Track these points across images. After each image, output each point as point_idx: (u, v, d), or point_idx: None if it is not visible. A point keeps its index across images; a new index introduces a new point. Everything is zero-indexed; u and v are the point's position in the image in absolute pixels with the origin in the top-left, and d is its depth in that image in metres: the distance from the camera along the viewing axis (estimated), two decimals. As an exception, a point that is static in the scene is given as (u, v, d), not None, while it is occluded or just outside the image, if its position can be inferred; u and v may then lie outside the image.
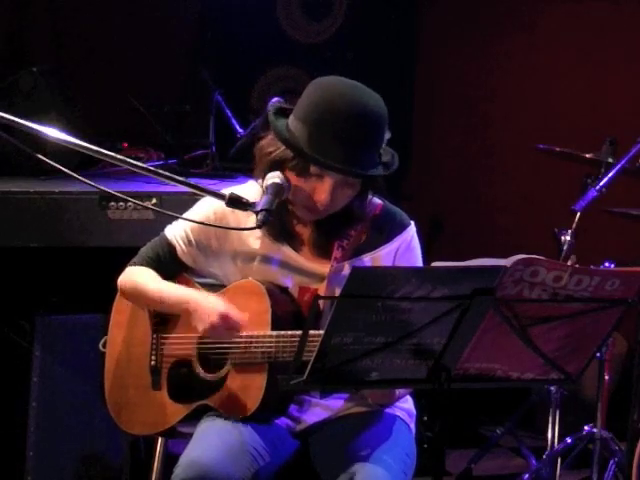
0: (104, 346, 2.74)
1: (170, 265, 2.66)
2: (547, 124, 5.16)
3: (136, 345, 2.68)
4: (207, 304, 2.49)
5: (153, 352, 2.65)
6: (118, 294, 2.71)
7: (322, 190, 2.44)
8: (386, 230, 2.58)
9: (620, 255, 3.87)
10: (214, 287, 2.64)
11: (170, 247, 2.66)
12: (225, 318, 2.45)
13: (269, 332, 2.47)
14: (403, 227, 2.59)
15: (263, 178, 2.50)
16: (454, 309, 2.06)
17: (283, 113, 2.52)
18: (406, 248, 2.57)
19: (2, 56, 4.76)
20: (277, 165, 2.48)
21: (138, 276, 2.64)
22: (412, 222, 2.62)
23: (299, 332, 2.40)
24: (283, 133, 2.45)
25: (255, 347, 2.48)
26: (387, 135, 2.50)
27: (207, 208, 2.63)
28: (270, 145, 2.51)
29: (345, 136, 2.39)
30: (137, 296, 2.64)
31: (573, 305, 2.11)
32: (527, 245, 3.01)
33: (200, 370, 2.58)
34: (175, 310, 2.59)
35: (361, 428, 2.51)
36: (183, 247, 2.64)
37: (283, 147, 2.46)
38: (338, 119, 2.39)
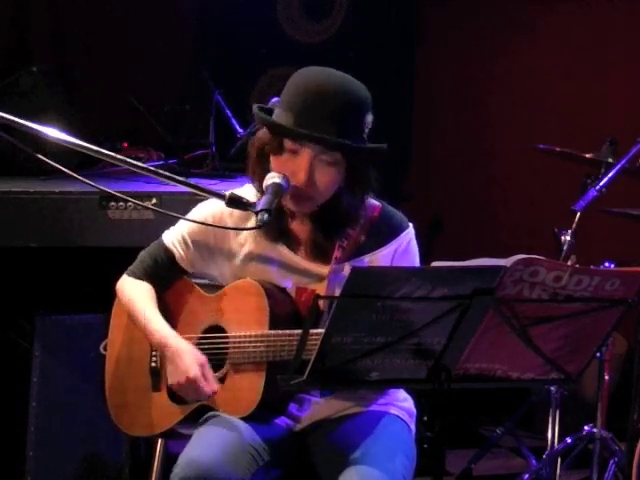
0: (105, 349, 2.74)
1: (169, 271, 2.67)
2: (547, 124, 5.16)
3: (136, 347, 2.68)
4: (182, 360, 2.51)
5: (153, 353, 2.65)
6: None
7: (300, 168, 2.44)
8: (384, 232, 2.57)
9: (620, 255, 3.87)
10: (213, 287, 2.64)
11: (168, 253, 2.66)
12: (192, 383, 2.49)
13: (267, 332, 2.47)
14: (401, 230, 2.58)
15: (255, 176, 2.53)
16: (454, 309, 2.06)
17: (270, 110, 2.55)
18: (403, 251, 2.56)
19: (2, 56, 4.76)
20: (261, 153, 2.51)
21: (135, 295, 2.64)
22: (410, 224, 2.61)
23: (297, 331, 2.41)
24: (259, 114, 2.49)
25: (253, 347, 2.48)
26: (369, 118, 2.49)
27: (205, 211, 2.63)
28: (256, 138, 2.54)
29: (316, 107, 2.41)
30: (130, 315, 2.66)
31: (573, 305, 2.11)
32: (527, 245, 3.01)
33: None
34: (156, 347, 2.62)
35: (361, 428, 2.51)
36: (181, 252, 2.65)
37: (264, 132, 2.49)
38: (310, 92, 2.42)
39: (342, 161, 2.47)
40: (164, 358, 2.58)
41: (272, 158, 2.50)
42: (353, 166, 2.49)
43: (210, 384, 2.50)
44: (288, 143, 2.46)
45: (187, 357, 2.52)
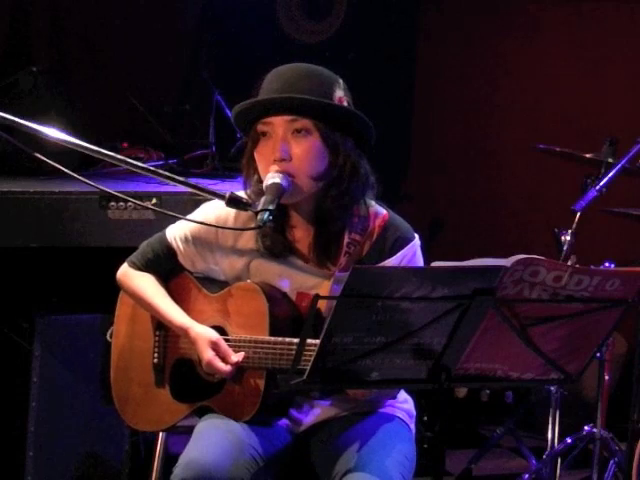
0: (111, 336, 2.74)
1: (168, 266, 2.67)
2: (547, 124, 5.16)
3: (139, 340, 2.69)
4: (197, 347, 2.53)
5: (156, 349, 2.66)
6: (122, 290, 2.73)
7: (275, 144, 2.46)
8: (389, 243, 2.53)
9: (620, 255, 3.87)
10: (213, 282, 2.64)
11: (170, 250, 2.66)
12: (208, 367, 2.50)
13: (267, 338, 2.47)
14: (406, 242, 2.54)
15: (247, 177, 2.55)
16: (454, 309, 2.06)
17: None
18: (407, 263, 2.52)
19: (2, 56, 4.76)
20: (249, 155, 2.52)
21: (144, 287, 2.65)
22: (416, 236, 2.57)
23: (297, 340, 2.39)
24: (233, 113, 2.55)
25: (253, 351, 2.48)
26: (339, 92, 2.49)
27: (210, 212, 2.62)
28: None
29: (274, 82, 2.48)
30: (139, 302, 2.67)
31: (573, 305, 2.11)
32: (527, 245, 3.01)
33: (201, 371, 2.58)
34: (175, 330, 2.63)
35: (361, 430, 2.51)
36: (182, 250, 2.64)
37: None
38: (270, 76, 2.51)
39: (314, 129, 2.45)
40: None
41: (255, 153, 2.51)
42: (328, 138, 2.46)
43: (227, 361, 2.48)
44: (259, 126, 2.48)
45: (199, 343, 2.52)
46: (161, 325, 2.66)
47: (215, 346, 2.50)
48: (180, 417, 2.63)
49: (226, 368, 2.48)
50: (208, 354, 2.50)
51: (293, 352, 2.38)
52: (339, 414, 2.58)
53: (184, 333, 2.58)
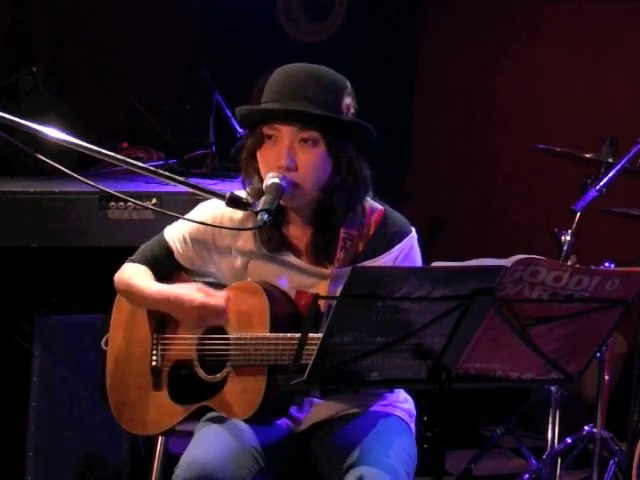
0: (106, 344, 2.74)
1: (167, 267, 2.67)
2: (547, 124, 5.16)
3: (136, 345, 2.68)
4: (183, 300, 2.52)
5: (154, 352, 2.65)
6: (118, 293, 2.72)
7: (280, 150, 2.45)
8: (386, 238, 2.55)
9: (620, 255, 3.87)
10: (213, 285, 2.64)
11: (168, 250, 2.66)
12: (204, 309, 2.50)
13: (268, 335, 2.47)
14: (403, 235, 2.56)
15: (246, 177, 2.55)
16: (454, 309, 2.06)
17: None
18: (405, 257, 2.54)
19: (2, 56, 4.76)
20: (250, 154, 2.52)
21: (130, 273, 2.65)
22: (413, 230, 2.58)
23: (298, 335, 2.39)
24: (237, 110, 2.54)
25: (254, 349, 2.47)
26: (347, 100, 2.49)
27: (206, 212, 2.63)
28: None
29: (284, 88, 2.46)
30: (128, 293, 2.65)
31: (573, 305, 2.11)
32: (527, 245, 3.01)
33: (200, 371, 2.58)
34: (164, 310, 2.62)
35: (361, 428, 2.51)
36: (180, 250, 2.65)
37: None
38: (279, 79, 2.48)
39: (321, 140, 2.46)
40: (173, 313, 2.59)
41: (258, 154, 2.51)
42: (334, 148, 2.47)
43: (218, 297, 2.50)
44: (265, 129, 2.47)
45: (185, 293, 2.52)
46: (159, 328, 2.65)
47: (201, 289, 2.52)
48: (178, 419, 2.62)
49: (220, 301, 2.49)
50: (198, 295, 2.50)
51: (294, 347, 2.38)
52: (339, 413, 2.58)
53: (165, 301, 2.56)
